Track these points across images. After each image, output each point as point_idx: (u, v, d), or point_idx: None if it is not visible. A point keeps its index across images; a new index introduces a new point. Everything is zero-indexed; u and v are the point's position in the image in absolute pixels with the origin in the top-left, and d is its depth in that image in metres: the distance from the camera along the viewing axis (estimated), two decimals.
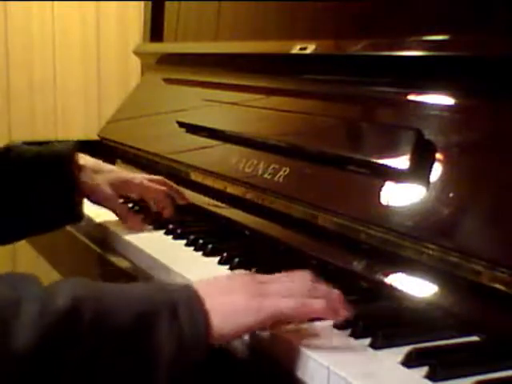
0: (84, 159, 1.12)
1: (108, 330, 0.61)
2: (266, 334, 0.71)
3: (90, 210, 1.20)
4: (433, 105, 0.87)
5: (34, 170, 1.07)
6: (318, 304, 0.68)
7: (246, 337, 0.72)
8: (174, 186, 1.21)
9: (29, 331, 0.58)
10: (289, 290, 0.69)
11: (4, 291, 0.62)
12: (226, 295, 0.67)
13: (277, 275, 0.73)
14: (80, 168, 1.10)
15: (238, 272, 0.84)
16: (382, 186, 0.85)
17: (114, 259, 1.09)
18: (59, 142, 1.18)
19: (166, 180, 1.21)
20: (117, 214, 1.15)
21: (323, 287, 0.72)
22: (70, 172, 1.07)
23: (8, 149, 1.08)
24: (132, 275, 1.01)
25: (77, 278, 0.67)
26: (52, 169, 1.07)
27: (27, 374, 0.59)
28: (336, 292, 0.71)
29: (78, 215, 1.09)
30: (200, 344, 0.63)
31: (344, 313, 0.69)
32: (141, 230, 1.11)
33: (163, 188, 1.19)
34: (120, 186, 1.14)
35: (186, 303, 0.64)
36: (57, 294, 0.62)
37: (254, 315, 0.66)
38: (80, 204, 1.09)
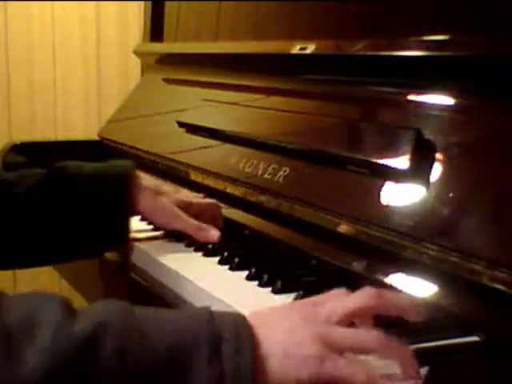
0: (145, 180, 1.06)
1: (133, 365, 0.53)
2: None
3: None
4: (433, 105, 0.87)
5: (90, 193, 1.01)
6: None
7: None
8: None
9: (39, 356, 0.52)
10: (360, 343, 0.58)
11: (23, 315, 0.55)
12: (288, 334, 0.56)
13: (339, 303, 0.62)
14: (140, 190, 1.03)
15: (296, 302, 0.70)
16: (382, 186, 0.85)
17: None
18: (116, 160, 1.13)
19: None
20: (188, 232, 1.05)
21: (395, 344, 0.59)
22: (127, 197, 1.01)
23: (62, 168, 1.03)
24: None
25: (111, 301, 0.59)
26: (109, 192, 1.01)
27: None
28: (408, 349, 0.60)
29: (125, 240, 1.03)
30: None
31: None
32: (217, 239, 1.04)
33: (212, 201, 1.13)
34: (183, 208, 1.06)
35: (232, 335, 0.54)
36: (79, 317, 0.55)
37: (313, 368, 0.55)
38: (129, 229, 1.03)
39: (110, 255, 1.08)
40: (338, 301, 0.62)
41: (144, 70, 1.86)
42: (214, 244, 1.00)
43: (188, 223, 1.04)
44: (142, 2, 1.94)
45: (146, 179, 1.08)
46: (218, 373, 0.52)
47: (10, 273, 2.24)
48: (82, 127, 2.46)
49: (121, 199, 1.01)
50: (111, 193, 1.01)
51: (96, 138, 1.73)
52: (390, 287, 0.80)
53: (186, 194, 1.16)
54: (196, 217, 1.06)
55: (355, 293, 0.62)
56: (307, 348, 0.55)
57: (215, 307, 0.60)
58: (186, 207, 1.07)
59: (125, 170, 1.04)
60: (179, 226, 1.05)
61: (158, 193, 1.05)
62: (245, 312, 0.62)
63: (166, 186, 1.13)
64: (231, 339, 0.54)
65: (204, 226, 1.04)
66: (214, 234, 1.03)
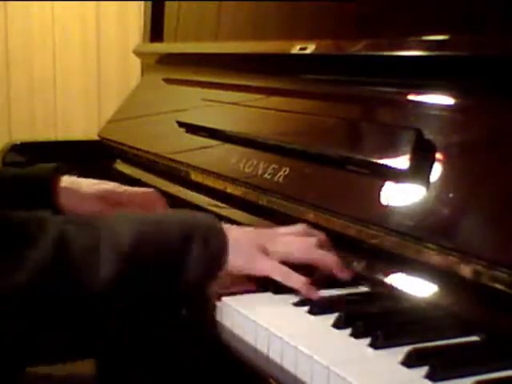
0: (65, 181, 1.11)
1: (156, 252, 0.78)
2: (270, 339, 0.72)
3: None
4: (433, 105, 0.88)
5: (13, 194, 1.07)
6: (326, 256, 0.84)
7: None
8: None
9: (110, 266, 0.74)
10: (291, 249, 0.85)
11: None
12: (243, 238, 0.84)
13: (284, 233, 0.88)
14: (59, 190, 1.09)
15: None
16: (382, 186, 0.85)
17: None
18: (42, 165, 1.16)
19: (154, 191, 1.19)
20: None
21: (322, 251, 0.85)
22: (48, 199, 1.07)
23: None
24: None
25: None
26: (29, 195, 1.06)
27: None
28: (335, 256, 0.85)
29: None
30: (217, 266, 0.80)
31: (346, 273, 0.84)
32: None
33: (150, 190, 1.18)
34: (109, 196, 1.12)
35: (215, 236, 0.81)
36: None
37: (252, 264, 0.83)
38: None
39: None
40: (293, 246, 0.86)
41: (144, 70, 1.86)
42: None
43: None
44: (142, 2, 1.94)
45: (66, 180, 1.12)
46: (206, 255, 0.80)
47: None
48: (82, 127, 2.46)
49: (41, 202, 1.05)
50: (30, 196, 1.06)
51: (96, 138, 1.73)
52: (390, 287, 0.80)
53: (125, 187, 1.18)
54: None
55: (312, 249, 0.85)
56: (246, 250, 0.83)
57: None
58: (116, 196, 1.12)
59: (45, 174, 1.10)
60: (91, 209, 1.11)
61: (77, 189, 1.10)
62: (244, 312, 0.74)
63: (86, 180, 1.16)
64: (214, 237, 0.81)
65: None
66: None
